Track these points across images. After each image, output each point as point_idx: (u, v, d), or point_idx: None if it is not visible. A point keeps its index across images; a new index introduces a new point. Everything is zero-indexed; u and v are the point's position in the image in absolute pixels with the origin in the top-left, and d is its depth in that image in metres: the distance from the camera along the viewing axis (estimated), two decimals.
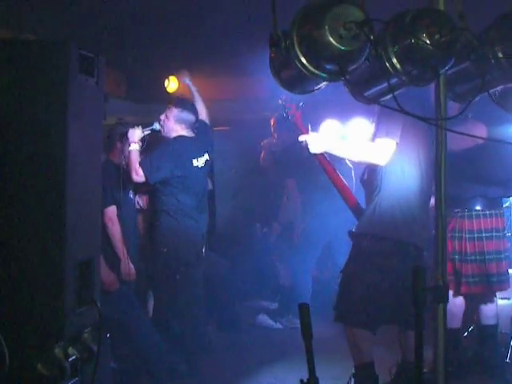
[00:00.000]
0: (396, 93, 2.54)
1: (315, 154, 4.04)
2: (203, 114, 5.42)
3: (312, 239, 6.15)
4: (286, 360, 4.80)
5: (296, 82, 2.60)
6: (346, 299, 3.86)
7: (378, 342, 4.28)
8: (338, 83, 2.52)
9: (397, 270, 3.68)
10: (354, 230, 3.96)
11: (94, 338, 2.86)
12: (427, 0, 2.55)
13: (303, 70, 2.39)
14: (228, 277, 5.80)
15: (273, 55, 2.56)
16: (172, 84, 6.54)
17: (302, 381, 2.21)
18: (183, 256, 4.94)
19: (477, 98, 2.80)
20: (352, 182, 5.83)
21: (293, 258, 6.37)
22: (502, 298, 4.91)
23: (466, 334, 4.99)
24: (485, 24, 2.68)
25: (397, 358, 3.98)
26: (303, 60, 2.36)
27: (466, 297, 4.58)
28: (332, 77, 2.43)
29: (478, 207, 4.52)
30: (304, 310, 2.15)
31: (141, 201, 5.19)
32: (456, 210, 4.54)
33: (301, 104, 4.24)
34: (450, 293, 4.42)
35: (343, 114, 6.73)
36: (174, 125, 5.06)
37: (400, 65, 2.41)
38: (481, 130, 4.31)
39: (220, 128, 7.36)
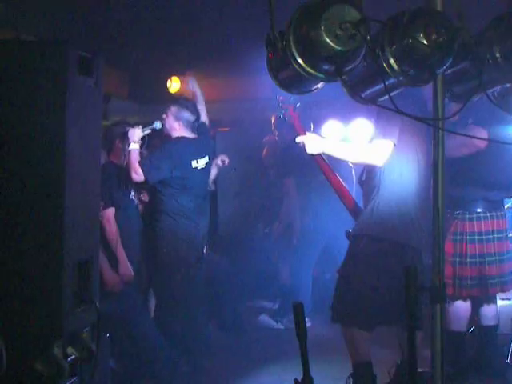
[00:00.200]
0: (394, 93, 2.55)
1: (313, 155, 4.04)
2: (204, 116, 5.43)
3: (311, 239, 6.15)
4: (287, 360, 4.80)
5: (293, 82, 2.60)
6: (342, 299, 3.86)
7: (378, 342, 4.29)
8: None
9: (394, 271, 3.67)
10: (351, 231, 3.97)
11: (92, 337, 2.88)
12: (425, 0, 2.56)
13: (300, 70, 2.38)
14: (229, 277, 5.80)
15: (270, 56, 2.56)
16: (174, 84, 6.55)
17: (296, 380, 2.20)
18: (183, 257, 4.94)
19: (475, 99, 2.81)
20: (353, 183, 5.83)
21: (292, 258, 6.37)
22: (502, 299, 4.91)
23: (467, 334, 4.98)
24: (483, 24, 2.68)
25: (396, 358, 3.97)
26: (300, 60, 2.36)
27: (467, 299, 4.56)
28: (329, 77, 2.43)
29: (479, 209, 4.51)
30: (298, 310, 2.15)
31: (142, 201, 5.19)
32: (457, 212, 4.53)
33: (298, 105, 4.23)
34: (453, 296, 4.43)
35: (345, 114, 6.72)
36: (176, 126, 5.07)
37: (397, 65, 2.41)
38: (481, 134, 4.29)
39: (222, 128, 7.38)
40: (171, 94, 6.56)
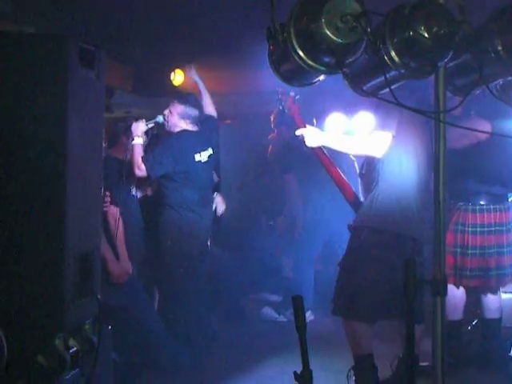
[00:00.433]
0: (395, 86, 2.55)
1: (312, 148, 4.03)
2: (210, 108, 5.42)
3: (314, 233, 6.15)
4: (289, 352, 4.78)
5: (294, 74, 2.60)
6: (343, 292, 3.86)
7: (380, 335, 4.28)
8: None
9: (394, 263, 3.67)
10: (351, 223, 3.97)
11: (94, 329, 2.89)
12: None
13: (301, 62, 2.39)
14: (232, 270, 5.81)
15: (271, 48, 2.56)
16: (178, 77, 6.55)
17: (295, 373, 2.21)
18: (186, 250, 4.95)
19: (477, 92, 2.81)
20: (356, 176, 5.83)
21: (295, 251, 6.38)
22: (505, 292, 4.90)
23: (469, 327, 4.98)
24: (485, 17, 2.66)
25: (398, 351, 3.97)
26: (300, 53, 2.37)
27: (466, 289, 4.57)
28: (330, 69, 2.43)
29: (482, 202, 4.52)
30: (297, 303, 2.15)
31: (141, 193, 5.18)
32: (460, 203, 4.54)
33: (297, 97, 4.23)
34: (451, 286, 4.43)
35: (349, 107, 6.71)
36: (178, 120, 5.07)
37: (398, 58, 2.41)
38: (483, 126, 4.29)
39: (225, 121, 7.37)
40: (175, 86, 6.56)
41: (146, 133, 4.94)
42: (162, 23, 5.51)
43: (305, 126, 4.08)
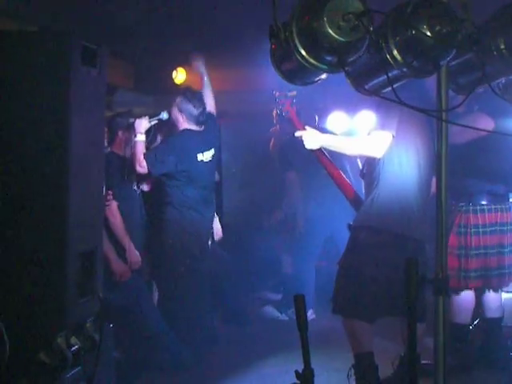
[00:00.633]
0: (397, 84, 2.54)
1: (312, 150, 4.03)
2: (211, 104, 5.40)
3: (314, 231, 6.14)
4: (291, 351, 4.78)
5: (296, 73, 2.59)
6: (342, 291, 3.87)
7: (381, 334, 4.29)
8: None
9: (394, 263, 3.67)
10: (351, 223, 3.97)
11: (96, 327, 2.89)
12: None
13: (303, 61, 2.38)
14: (233, 268, 5.81)
15: (273, 47, 2.55)
16: (180, 75, 6.54)
17: (297, 372, 2.21)
18: (188, 248, 4.95)
19: (480, 90, 2.80)
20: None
21: (296, 249, 6.37)
22: (506, 292, 4.89)
23: (471, 327, 4.98)
24: (488, 15, 2.66)
25: (399, 350, 3.97)
26: (302, 51, 2.36)
27: (475, 291, 4.56)
28: (332, 68, 2.43)
29: (483, 202, 4.50)
30: (299, 302, 2.15)
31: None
32: (461, 204, 4.52)
33: (294, 100, 4.23)
34: (459, 288, 4.43)
35: (351, 106, 6.71)
36: (183, 119, 5.06)
37: (401, 56, 2.40)
38: (486, 122, 4.28)
39: (227, 119, 7.35)
40: (177, 84, 6.55)
41: (149, 130, 4.94)
42: (164, 21, 5.50)
43: (304, 129, 4.08)
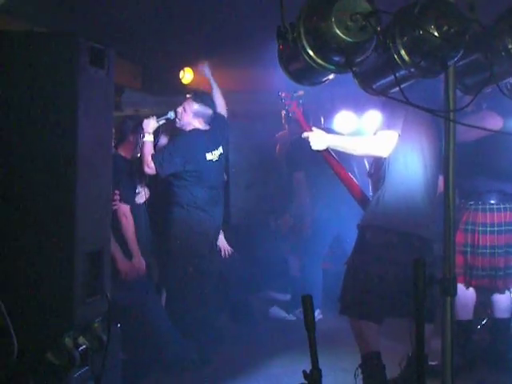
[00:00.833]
0: (405, 85, 2.54)
1: (319, 150, 4.04)
2: (221, 107, 5.41)
3: (322, 231, 6.14)
4: (298, 351, 4.79)
5: (304, 73, 2.60)
6: (349, 291, 3.87)
7: (389, 334, 4.28)
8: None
9: (401, 262, 3.67)
10: (359, 222, 3.97)
11: (103, 327, 2.89)
12: None
13: (310, 62, 2.39)
14: (240, 268, 5.81)
15: (281, 47, 2.56)
16: (187, 75, 6.55)
17: (304, 372, 2.21)
18: (196, 248, 4.95)
19: (487, 91, 2.80)
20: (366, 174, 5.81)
21: (303, 249, 6.37)
22: None
23: (479, 327, 4.97)
24: (495, 15, 2.65)
25: (407, 350, 3.97)
26: (310, 52, 2.36)
27: (476, 289, 4.55)
28: (339, 69, 2.43)
29: (492, 201, 4.49)
30: (307, 302, 2.15)
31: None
32: (470, 203, 4.52)
33: (301, 101, 4.23)
34: (461, 285, 4.42)
35: (359, 105, 6.70)
36: (191, 118, 5.06)
37: (408, 57, 2.41)
38: (495, 120, 4.27)
39: (235, 119, 7.36)
40: (184, 85, 6.56)
41: (156, 130, 4.94)
42: (171, 21, 5.51)
43: (311, 129, 4.08)
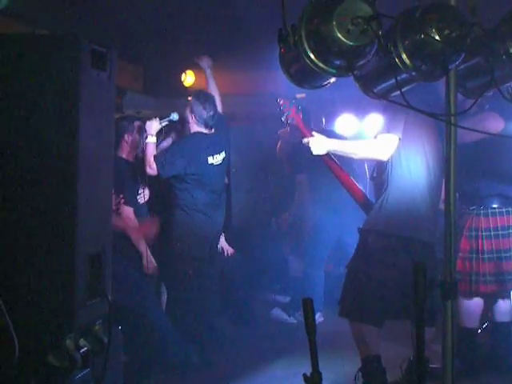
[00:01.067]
0: (406, 88, 2.54)
1: (319, 155, 4.04)
2: (218, 105, 5.39)
3: (324, 233, 6.14)
4: (299, 354, 4.79)
5: (305, 77, 2.60)
6: (350, 294, 3.88)
7: (390, 337, 4.28)
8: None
9: (402, 266, 3.68)
10: (361, 226, 3.98)
11: (105, 329, 2.90)
12: None
13: (311, 65, 2.39)
14: (242, 271, 5.81)
15: (282, 50, 2.56)
16: (189, 78, 6.57)
17: (305, 375, 2.21)
18: (196, 251, 4.95)
19: (489, 94, 2.80)
20: (365, 178, 5.81)
21: (305, 251, 6.37)
22: None
23: (479, 330, 4.96)
24: (497, 19, 2.66)
25: (408, 353, 3.97)
26: (311, 55, 2.36)
27: (483, 295, 4.53)
28: (340, 72, 2.43)
29: (494, 205, 4.45)
30: (307, 305, 2.15)
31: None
32: (472, 208, 4.49)
33: (300, 107, 4.23)
34: (468, 293, 4.40)
35: (360, 108, 6.70)
36: (194, 121, 5.05)
37: (409, 60, 2.40)
38: (497, 122, 4.26)
39: (235, 122, 7.37)
40: (186, 87, 6.57)
41: (159, 131, 4.95)
42: (173, 23, 5.52)
43: (311, 135, 4.08)
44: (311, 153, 4.02)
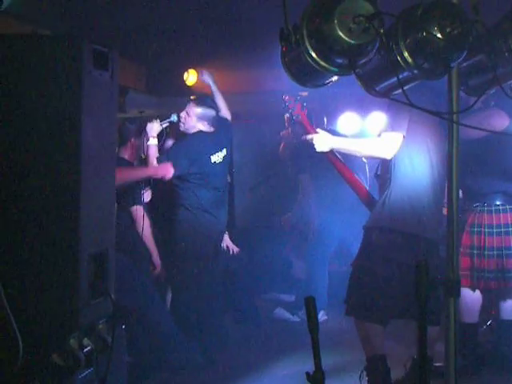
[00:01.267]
0: (408, 86, 2.54)
1: (323, 152, 4.04)
2: (224, 110, 5.42)
3: (328, 233, 6.14)
4: (303, 352, 4.78)
5: (307, 76, 2.59)
6: (355, 292, 3.87)
7: (394, 336, 4.27)
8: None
9: (406, 264, 3.67)
10: (365, 223, 3.97)
11: (108, 329, 2.90)
12: None
13: (313, 64, 2.38)
14: (245, 270, 5.81)
15: (284, 49, 2.56)
16: (191, 77, 6.57)
17: (308, 374, 2.21)
18: (201, 250, 4.96)
19: (491, 92, 2.79)
20: (366, 178, 5.82)
21: (308, 250, 6.37)
22: None
23: (484, 328, 4.96)
24: (499, 16, 2.65)
25: (412, 352, 3.96)
26: (313, 54, 2.36)
27: (482, 291, 4.53)
28: (342, 71, 2.43)
29: (498, 202, 4.45)
30: (310, 304, 2.15)
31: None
32: (475, 205, 4.49)
33: (305, 104, 4.23)
34: (467, 288, 4.40)
35: (363, 107, 6.70)
36: (195, 121, 5.07)
37: (411, 58, 2.40)
38: (502, 119, 4.25)
39: (238, 121, 7.37)
40: (188, 86, 6.57)
41: (160, 133, 4.95)
42: (176, 23, 5.52)
43: (315, 132, 4.09)
44: (315, 150, 4.02)
